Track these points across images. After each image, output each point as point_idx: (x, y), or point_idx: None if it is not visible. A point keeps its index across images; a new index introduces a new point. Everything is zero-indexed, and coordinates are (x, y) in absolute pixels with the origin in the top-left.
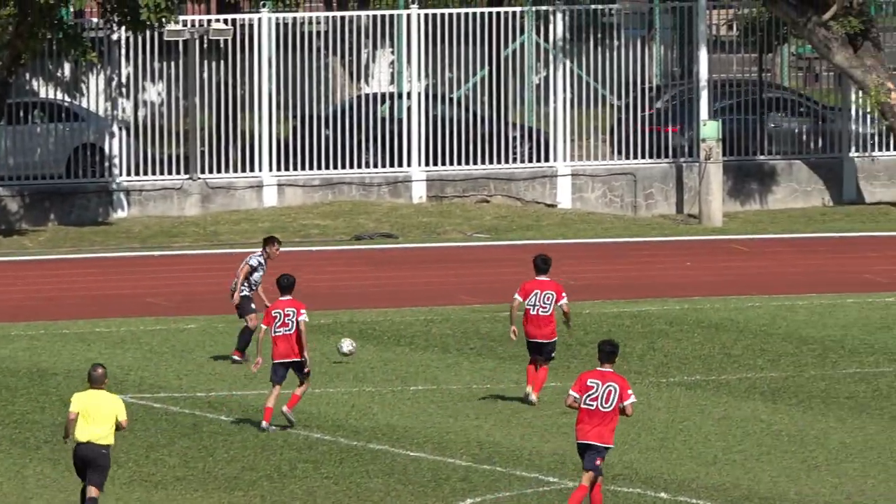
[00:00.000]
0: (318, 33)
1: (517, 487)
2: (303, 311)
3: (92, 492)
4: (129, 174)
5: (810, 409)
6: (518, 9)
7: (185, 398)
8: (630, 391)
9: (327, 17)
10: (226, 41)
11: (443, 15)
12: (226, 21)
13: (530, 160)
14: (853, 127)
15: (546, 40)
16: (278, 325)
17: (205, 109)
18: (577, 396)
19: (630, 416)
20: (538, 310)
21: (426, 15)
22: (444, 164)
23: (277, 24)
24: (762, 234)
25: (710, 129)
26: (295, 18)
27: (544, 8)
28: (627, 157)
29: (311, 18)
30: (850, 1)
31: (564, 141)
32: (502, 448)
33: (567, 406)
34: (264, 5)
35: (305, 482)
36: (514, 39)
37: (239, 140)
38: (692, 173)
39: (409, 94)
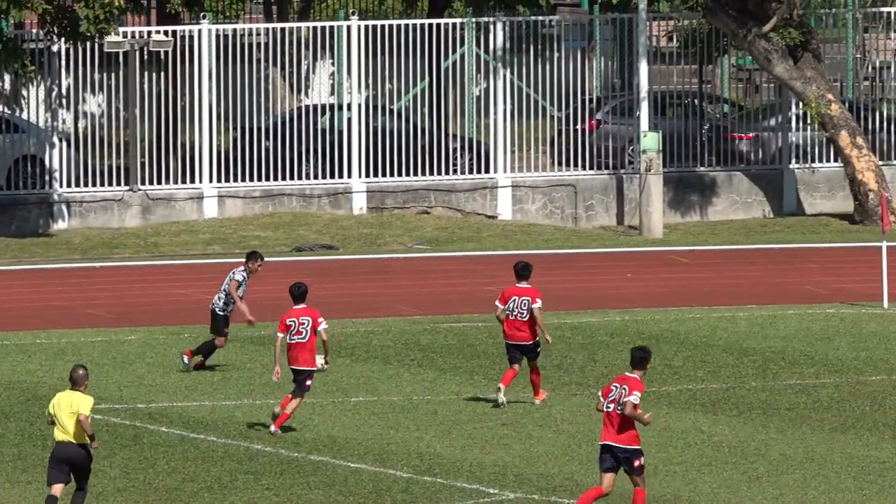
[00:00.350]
0: (259, 45)
1: (458, 499)
2: (320, 319)
3: (78, 497)
4: (69, 185)
5: (751, 420)
6: (458, 20)
7: (125, 409)
8: (636, 392)
9: (267, 29)
10: (166, 53)
11: (383, 26)
12: (166, 33)
13: (471, 172)
14: (793, 138)
15: (486, 52)
16: (293, 333)
17: (145, 121)
18: (602, 400)
19: (625, 413)
20: (517, 315)
21: (366, 26)
22: (384, 175)
23: (218, 36)
24: (702, 246)
25: (650, 141)
26: (235, 30)
27: (484, 19)
28: (568, 169)
29: (251, 30)
30: (790, 12)
31: (505, 152)
32: (443, 460)
33: (597, 410)
34: (204, 17)
35: (246, 494)
36: (454, 51)
37: (179, 151)
38: (633, 185)
39: (349, 106)
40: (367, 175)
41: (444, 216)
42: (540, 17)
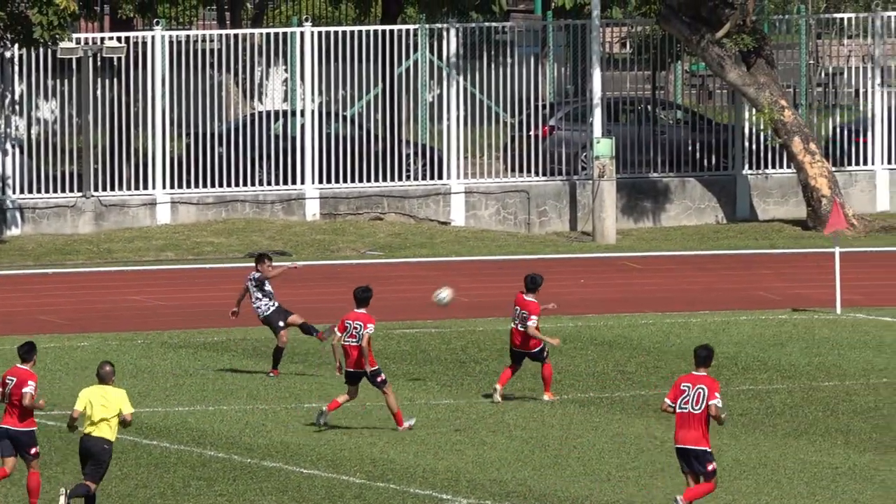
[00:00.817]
0: (212, 51)
1: None
2: (370, 325)
3: (90, 487)
4: (22, 192)
5: None
6: (411, 26)
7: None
8: (717, 393)
9: (221, 35)
10: (119, 59)
11: (336, 32)
12: (119, 39)
13: (424, 178)
14: (746, 144)
15: (439, 58)
16: (348, 335)
17: (98, 127)
18: (671, 403)
19: (714, 416)
20: (517, 324)
21: (320, 32)
22: (337, 181)
23: (171, 42)
24: (656, 252)
25: (603, 147)
26: (188, 36)
27: (438, 26)
28: (521, 175)
29: (204, 36)
30: (744, 19)
31: (458, 158)
32: (396, 465)
33: (662, 411)
34: (157, 23)
35: (199, 500)
36: (407, 57)
37: (132, 158)
38: (585, 191)
39: (302, 112)
40: (321, 181)
41: (398, 222)
42: (493, 24)
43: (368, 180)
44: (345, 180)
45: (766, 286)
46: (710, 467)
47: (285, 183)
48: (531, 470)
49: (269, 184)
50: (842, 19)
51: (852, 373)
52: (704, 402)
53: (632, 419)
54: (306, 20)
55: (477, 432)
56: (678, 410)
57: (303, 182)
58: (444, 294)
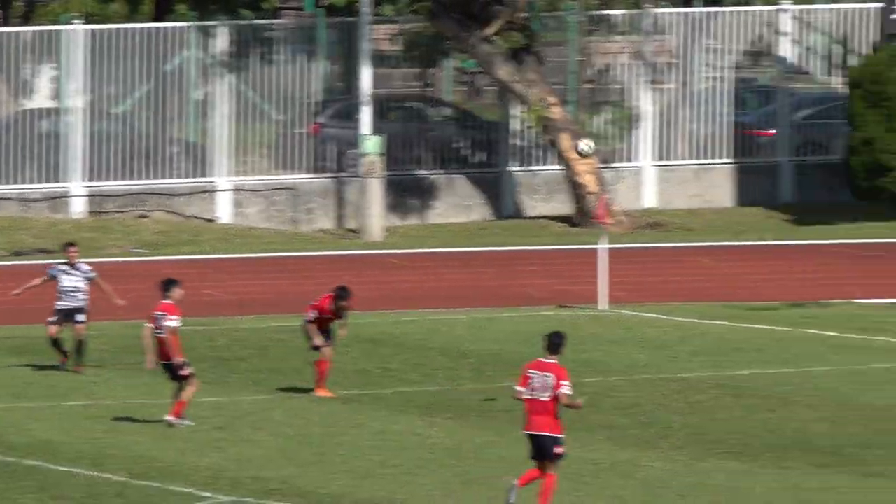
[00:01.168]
0: None
1: (172, 503)
2: (172, 316)
3: None
4: None
5: (467, 422)
6: (182, 24)
7: None
8: (565, 382)
9: None
10: None
11: (107, 30)
12: None
13: (190, 175)
14: (513, 141)
15: (210, 55)
16: (155, 327)
17: None
18: (521, 389)
19: (568, 405)
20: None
21: (90, 30)
22: (104, 179)
23: None
24: (421, 249)
25: (371, 144)
26: None
27: (208, 23)
28: (289, 172)
29: None
30: (514, 16)
31: (228, 156)
32: (158, 463)
33: (515, 399)
34: None
35: None
36: (177, 54)
37: None
38: (353, 188)
39: (70, 110)
40: (88, 179)
41: (164, 220)
42: (264, 21)
43: (135, 178)
44: (112, 178)
45: (530, 283)
46: (556, 450)
47: (52, 181)
48: (293, 467)
49: (34, 182)
50: (611, 17)
51: (615, 369)
52: (552, 390)
53: (395, 416)
54: (76, 18)
55: (239, 430)
56: (527, 397)
57: (69, 180)
58: (585, 146)
